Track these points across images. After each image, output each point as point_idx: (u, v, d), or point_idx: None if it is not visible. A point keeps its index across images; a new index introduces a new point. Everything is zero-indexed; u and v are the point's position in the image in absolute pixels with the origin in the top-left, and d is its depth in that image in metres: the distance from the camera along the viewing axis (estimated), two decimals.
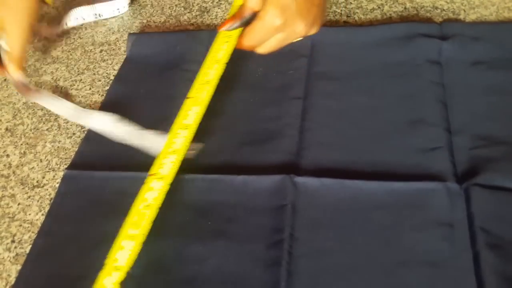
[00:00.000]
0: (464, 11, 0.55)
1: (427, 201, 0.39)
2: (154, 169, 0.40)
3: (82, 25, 0.63)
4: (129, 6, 0.64)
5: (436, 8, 0.55)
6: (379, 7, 0.57)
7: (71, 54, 0.60)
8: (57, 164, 0.47)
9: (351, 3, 0.58)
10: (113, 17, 0.63)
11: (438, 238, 0.37)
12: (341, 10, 0.58)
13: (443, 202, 0.38)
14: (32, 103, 0.54)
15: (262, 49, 0.44)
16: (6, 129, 0.52)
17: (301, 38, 0.44)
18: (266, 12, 0.41)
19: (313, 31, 0.44)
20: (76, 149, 0.48)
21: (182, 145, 0.40)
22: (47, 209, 0.44)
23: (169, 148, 0.40)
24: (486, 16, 0.53)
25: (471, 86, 0.46)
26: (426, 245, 0.36)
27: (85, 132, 0.49)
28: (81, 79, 0.56)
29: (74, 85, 0.56)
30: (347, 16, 0.57)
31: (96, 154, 0.47)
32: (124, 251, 0.36)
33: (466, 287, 0.34)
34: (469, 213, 0.37)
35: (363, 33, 0.53)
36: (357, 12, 0.57)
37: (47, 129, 0.51)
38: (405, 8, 0.56)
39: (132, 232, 0.36)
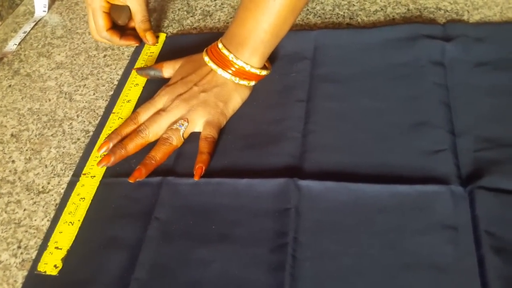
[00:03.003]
0: (468, 12, 0.54)
1: (431, 204, 0.38)
2: (86, 170, 0.46)
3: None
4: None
5: (440, 9, 0.55)
6: (382, 9, 0.57)
7: (75, 60, 0.60)
8: (62, 170, 0.48)
9: (354, 5, 0.58)
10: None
11: (442, 241, 0.36)
12: (344, 12, 0.57)
13: (447, 205, 0.38)
14: (36, 108, 0.55)
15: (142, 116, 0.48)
16: (12, 135, 0.53)
17: (181, 125, 0.46)
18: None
19: (191, 115, 0.47)
20: (81, 154, 0.48)
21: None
22: (52, 214, 0.44)
23: (96, 154, 0.47)
24: (490, 16, 0.53)
25: (475, 88, 0.46)
26: (430, 248, 0.36)
27: (89, 138, 0.49)
28: (85, 84, 0.57)
29: (78, 90, 0.56)
30: (350, 18, 0.57)
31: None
32: (63, 234, 0.42)
33: None
34: (474, 216, 0.37)
35: (366, 35, 0.53)
36: (360, 14, 0.57)
37: (51, 135, 0.51)
38: (408, 9, 0.56)
39: (69, 219, 0.43)
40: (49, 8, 0.69)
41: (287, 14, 0.45)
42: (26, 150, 0.51)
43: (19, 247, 0.42)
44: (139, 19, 0.57)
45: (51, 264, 0.40)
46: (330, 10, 0.58)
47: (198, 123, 0.47)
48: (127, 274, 0.38)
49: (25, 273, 0.40)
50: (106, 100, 0.54)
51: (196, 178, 0.43)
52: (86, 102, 0.54)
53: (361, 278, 0.36)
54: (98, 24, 0.56)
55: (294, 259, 0.37)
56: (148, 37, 0.57)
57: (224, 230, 0.40)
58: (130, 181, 0.44)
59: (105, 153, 0.46)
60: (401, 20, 0.55)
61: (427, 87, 0.47)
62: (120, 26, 0.59)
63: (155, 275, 0.38)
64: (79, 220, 0.42)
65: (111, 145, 0.46)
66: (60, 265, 0.40)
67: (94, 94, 0.55)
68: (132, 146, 0.46)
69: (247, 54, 0.47)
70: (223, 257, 0.38)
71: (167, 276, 0.38)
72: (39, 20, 0.68)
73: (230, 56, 0.47)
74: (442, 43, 0.50)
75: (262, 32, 0.46)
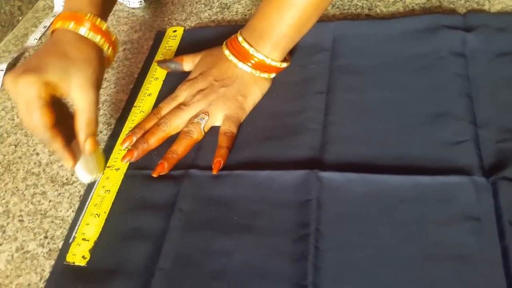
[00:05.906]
0: (489, 1, 0.54)
1: (454, 195, 0.38)
2: (110, 162, 0.47)
3: None
4: (146, 4, 0.65)
5: None
6: None
7: None
8: None
9: None
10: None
11: (465, 232, 0.36)
12: (362, 3, 0.57)
13: (470, 196, 0.38)
14: None
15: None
16: None
17: (203, 119, 0.47)
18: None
19: (211, 109, 0.47)
20: (103, 147, 0.49)
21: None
22: (77, 205, 0.45)
23: (120, 147, 0.48)
24: (511, 6, 0.52)
25: (496, 78, 0.46)
26: (453, 239, 0.36)
27: (111, 130, 0.50)
28: (105, 78, 0.57)
29: None
30: (369, 9, 0.56)
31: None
32: (90, 226, 0.42)
33: (494, 282, 0.34)
34: (497, 207, 0.37)
35: (385, 26, 0.52)
36: (379, 5, 0.56)
37: None
38: None
39: (95, 211, 0.43)
40: None
41: (312, 11, 0.45)
42: None
43: (45, 237, 0.44)
44: (83, 120, 0.42)
45: (79, 255, 0.41)
46: (348, 1, 0.58)
47: (218, 117, 0.47)
48: (152, 264, 0.39)
49: (52, 262, 0.41)
50: (127, 93, 0.54)
51: (214, 172, 0.44)
52: (107, 95, 0.55)
53: (383, 269, 0.36)
54: (35, 121, 0.39)
55: (317, 250, 0.38)
56: (88, 145, 0.42)
57: (246, 221, 0.41)
58: (154, 176, 0.44)
59: (128, 147, 0.47)
60: (420, 10, 0.55)
61: (448, 78, 0.46)
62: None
63: (179, 265, 0.39)
64: (105, 212, 0.43)
65: (134, 139, 0.47)
66: (88, 256, 0.41)
67: (115, 87, 0.56)
68: (154, 140, 0.47)
69: (268, 48, 0.47)
70: (245, 247, 0.39)
71: (191, 266, 0.39)
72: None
73: (251, 50, 0.47)
74: (463, 33, 0.49)
75: (286, 26, 0.46)
